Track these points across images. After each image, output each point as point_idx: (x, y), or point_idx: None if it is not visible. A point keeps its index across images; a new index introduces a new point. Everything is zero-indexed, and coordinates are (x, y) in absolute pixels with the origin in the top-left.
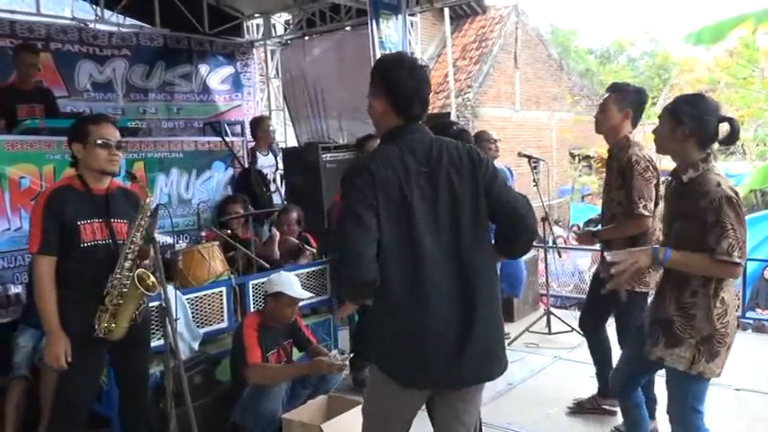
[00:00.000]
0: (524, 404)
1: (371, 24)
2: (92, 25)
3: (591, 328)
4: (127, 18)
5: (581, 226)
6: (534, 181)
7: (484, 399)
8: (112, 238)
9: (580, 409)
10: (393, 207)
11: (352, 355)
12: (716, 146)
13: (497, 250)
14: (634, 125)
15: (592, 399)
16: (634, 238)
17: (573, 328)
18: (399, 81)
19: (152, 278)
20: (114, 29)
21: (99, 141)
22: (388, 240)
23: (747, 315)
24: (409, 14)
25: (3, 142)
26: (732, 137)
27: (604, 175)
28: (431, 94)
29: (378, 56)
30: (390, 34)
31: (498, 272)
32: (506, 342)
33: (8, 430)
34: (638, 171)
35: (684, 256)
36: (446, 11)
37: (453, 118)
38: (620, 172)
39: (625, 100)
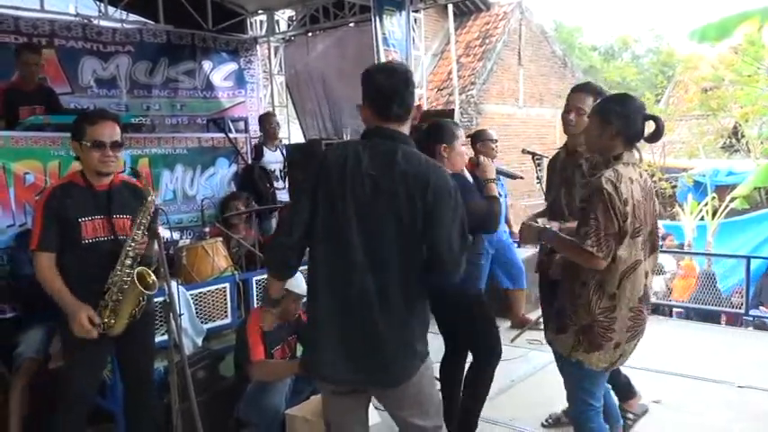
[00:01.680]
0: (526, 401)
1: (375, 21)
2: (95, 21)
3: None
4: (130, 14)
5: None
6: (538, 178)
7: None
8: (113, 235)
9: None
10: (328, 193)
11: None
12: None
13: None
14: None
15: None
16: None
17: None
18: (377, 83)
19: (152, 276)
20: (118, 25)
21: (90, 143)
22: (320, 229)
23: (750, 313)
24: (413, 11)
25: (7, 138)
26: (656, 134)
27: (552, 169)
28: (413, 95)
29: (381, 52)
30: (394, 31)
31: (485, 269)
32: (510, 339)
33: (12, 420)
34: None
35: (558, 237)
36: (450, 7)
37: (457, 115)
38: (595, 168)
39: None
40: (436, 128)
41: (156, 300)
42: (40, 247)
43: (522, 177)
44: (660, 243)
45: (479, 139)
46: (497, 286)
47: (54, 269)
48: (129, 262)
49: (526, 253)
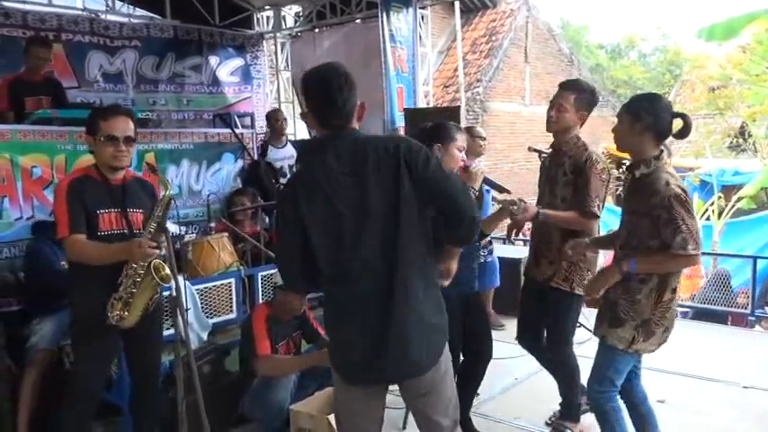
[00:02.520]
0: (530, 399)
1: (382, 17)
2: (103, 16)
3: (535, 343)
4: (137, 9)
5: (517, 200)
6: None
7: (490, 394)
8: (128, 228)
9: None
10: (318, 211)
11: None
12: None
13: (446, 239)
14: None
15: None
16: (573, 233)
17: (581, 324)
18: (314, 92)
19: (167, 269)
20: (125, 20)
21: (104, 137)
22: (319, 242)
23: (756, 313)
24: (420, 7)
25: (15, 132)
26: (684, 131)
27: (542, 169)
28: (347, 98)
29: (388, 49)
30: (401, 27)
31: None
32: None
33: (22, 412)
34: (596, 171)
35: (646, 261)
36: (456, 4)
37: (462, 112)
38: (575, 169)
39: (583, 102)
40: (436, 127)
41: (162, 294)
42: (71, 231)
43: (509, 192)
44: None
45: (468, 134)
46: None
47: (88, 243)
48: None
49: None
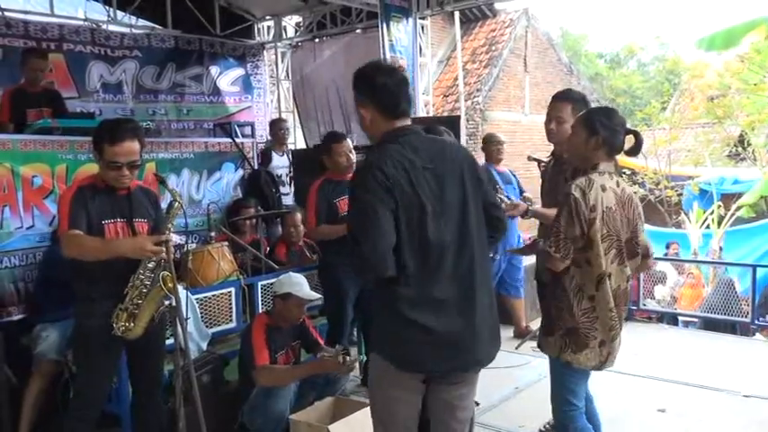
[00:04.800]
0: (532, 408)
1: (382, 27)
2: (104, 26)
3: None
4: (139, 19)
5: (511, 198)
6: None
7: (491, 403)
8: None
9: None
10: (407, 204)
11: (363, 357)
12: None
13: None
14: None
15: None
16: None
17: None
18: (381, 84)
19: (174, 281)
20: (126, 30)
21: (108, 163)
22: (405, 234)
23: (757, 322)
24: (419, 17)
25: (16, 141)
26: (636, 148)
27: (543, 180)
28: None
29: (388, 59)
30: (401, 37)
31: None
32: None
33: (23, 422)
34: None
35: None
36: (456, 14)
37: (462, 121)
38: (574, 174)
39: (579, 109)
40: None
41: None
42: (70, 226)
43: (503, 202)
44: (651, 251)
45: (487, 142)
46: (501, 294)
47: (85, 237)
48: (151, 265)
49: (528, 261)
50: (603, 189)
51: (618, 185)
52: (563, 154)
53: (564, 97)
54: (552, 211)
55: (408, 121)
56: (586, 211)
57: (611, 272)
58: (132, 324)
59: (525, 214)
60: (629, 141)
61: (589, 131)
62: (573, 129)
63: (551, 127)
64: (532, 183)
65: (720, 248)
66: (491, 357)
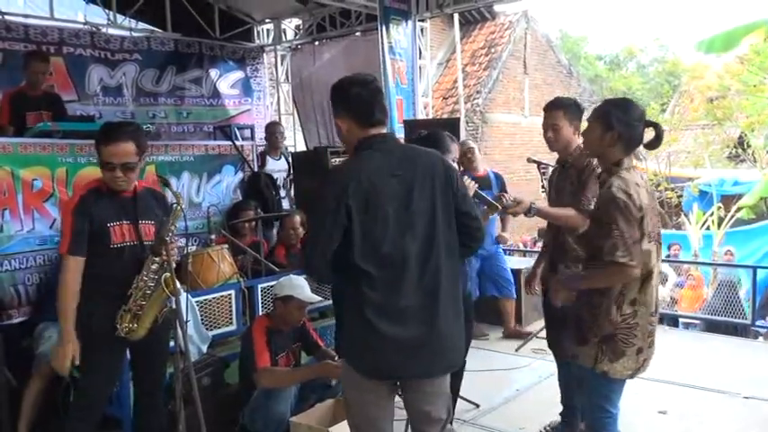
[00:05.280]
0: (533, 410)
1: (381, 30)
2: (104, 29)
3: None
4: (139, 23)
5: (508, 197)
6: (543, 186)
7: (492, 404)
8: (139, 240)
9: None
10: (366, 209)
11: None
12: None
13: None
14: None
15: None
16: (584, 237)
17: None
18: (355, 94)
19: (177, 283)
20: (126, 33)
21: (101, 163)
22: (364, 245)
23: (758, 324)
24: (419, 20)
25: (15, 145)
26: (656, 141)
27: (547, 182)
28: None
29: (387, 61)
30: (400, 40)
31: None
32: (514, 348)
33: (22, 422)
34: (595, 175)
35: (585, 274)
36: (456, 17)
37: (462, 124)
38: (578, 176)
39: (573, 114)
40: (433, 137)
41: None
42: (70, 251)
43: (499, 208)
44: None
45: (461, 146)
46: (487, 296)
47: (79, 280)
48: (155, 267)
49: (517, 264)
50: (638, 185)
51: (642, 179)
52: (567, 159)
53: (554, 105)
54: (558, 210)
55: (384, 130)
56: (636, 211)
57: (654, 270)
58: (136, 325)
59: (528, 212)
60: (649, 134)
61: (604, 127)
62: (588, 124)
63: (549, 136)
64: (533, 184)
65: (731, 252)
66: (456, 364)
